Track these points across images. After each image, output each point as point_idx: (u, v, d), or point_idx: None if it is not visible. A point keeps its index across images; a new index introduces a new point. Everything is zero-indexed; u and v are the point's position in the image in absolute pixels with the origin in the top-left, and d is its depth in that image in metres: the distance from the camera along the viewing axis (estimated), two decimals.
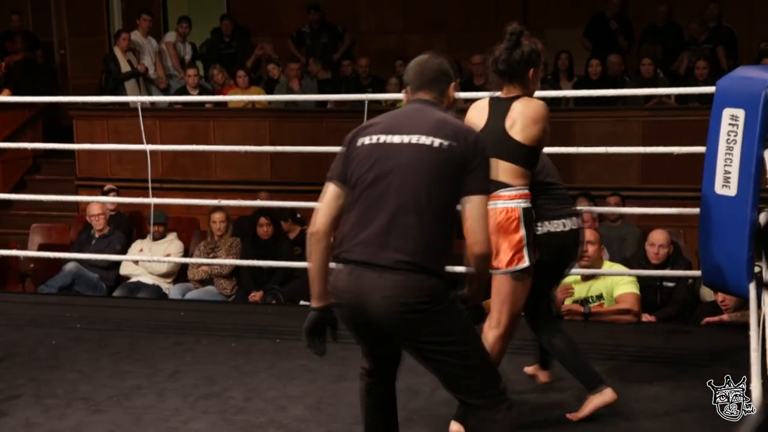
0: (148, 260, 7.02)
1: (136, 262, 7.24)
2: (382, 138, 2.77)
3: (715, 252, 3.72)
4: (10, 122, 10.21)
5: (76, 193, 9.13)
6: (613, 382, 3.65)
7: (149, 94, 9.70)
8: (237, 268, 6.96)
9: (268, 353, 4.50)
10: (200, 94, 9.10)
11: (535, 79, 3.51)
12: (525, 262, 3.34)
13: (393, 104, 8.92)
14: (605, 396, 3.52)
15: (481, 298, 2.87)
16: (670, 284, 5.40)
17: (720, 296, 4.92)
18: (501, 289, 3.38)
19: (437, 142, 2.71)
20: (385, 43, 10.53)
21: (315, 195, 9.19)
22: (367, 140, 2.81)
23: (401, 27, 10.68)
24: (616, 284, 5.15)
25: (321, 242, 2.79)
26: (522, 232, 3.34)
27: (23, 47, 10.73)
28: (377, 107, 8.71)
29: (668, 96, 8.15)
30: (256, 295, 6.72)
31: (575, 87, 8.62)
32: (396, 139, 2.76)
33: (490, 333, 3.43)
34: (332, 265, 2.80)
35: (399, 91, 9.31)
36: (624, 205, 6.66)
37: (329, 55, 10.04)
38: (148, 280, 7.23)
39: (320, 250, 2.79)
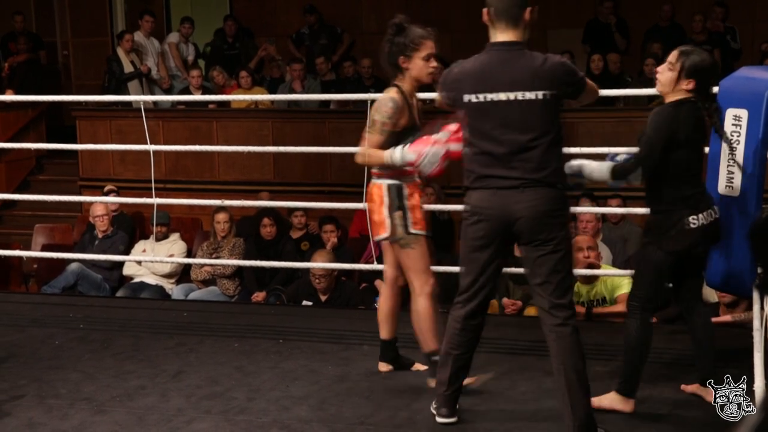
0: (151, 261, 7.03)
1: (139, 263, 7.25)
2: (489, 96, 3.20)
3: (718, 253, 3.72)
4: (13, 123, 10.23)
5: (80, 194, 9.14)
6: (614, 383, 3.64)
7: (152, 94, 9.72)
8: (240, 269, 6.97)
9: (271, 353, 4.51)
10: (203, 94, 9.12)
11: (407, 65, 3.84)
12: (386, 233, 3.80)
13: None
14: (628, 405, 3.56)
15: None
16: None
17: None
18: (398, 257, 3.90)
19: (540, 94, 3.17)
20: None
21: (317, 195, 9.26)
22: (473, 98, 3.22)
23: None
24: (617, 286, 5.16)
25: None
26: (384, 206, 3.80)
27: (27, 48, 10.75)
28: None
29: None
30: (259, 296, 6.73)
31: None
32: (502, 96, 3.19)
33: (419, 300, 3.89)
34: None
35: None
36: (626, 207, 6.66)
37: (328, 56, 10.05)
38: (151, 280, 7.24)
39: None
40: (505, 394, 3.91)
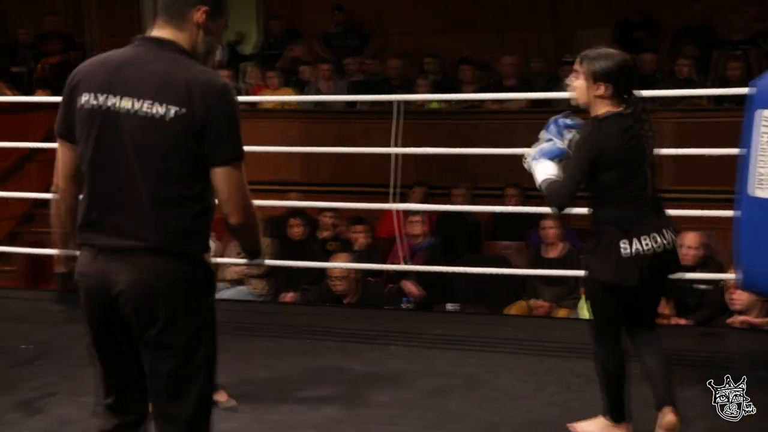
0: None
1: None
2: (102, 99, 2.32)
3: (751, 254, 3.68)
4: (45, 123, 10.30)
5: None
6: (643, 385, 3.62)
7: None
8: (269, 269, 6.99)
9: (301, 353, 4.52)
10: None
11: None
12: None
13: (422, 105, 8.93)
14: (620, 430, 3.38)
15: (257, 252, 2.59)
16: (701, 287, 5.36)
17: (732, 293, 4.91)
18: None
19: (163, 110, 2.25)
20: (414, 43, 10.52)
21: (346, 195, 9.25)
22: (85, 99, 2.36)
23: (429, 28, 10.66)
24: None
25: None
26: None
27: (59, 49, 10.85)
28: (407, 108, 8.73)
29: (701, 97, 8.09)
30: (287, 296, 6.75)
31: None
32: (119, 103, 2.30)
33: None
34: None
35: (428, 92, 9.39)
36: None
37: (356, 57, 10.07)
38: None
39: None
40: (534, 395, 3.90)
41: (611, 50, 3.20)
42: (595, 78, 3.10)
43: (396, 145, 5.27)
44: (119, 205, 2.33)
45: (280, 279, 6.96)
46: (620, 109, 3.12)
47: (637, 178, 3.12)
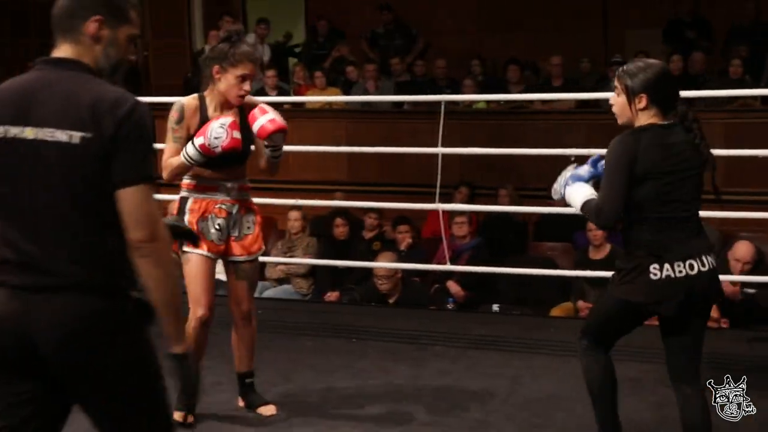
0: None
1: None
2: (3, 130, 2.12)
3: None
4: None
5: (158, 192, 9.32)
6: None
7: None
8: (313, 268, 7.02)
9: (344, 352, 4.54)
10: (279, 95, 9.22)
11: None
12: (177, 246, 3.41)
13: (470, 105, 8.91)
14: None
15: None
16: (751, 291, 5.28)
17: None
18: None
19: (66, 136, 2.08)
20: (461, 43, 10.50)
21: (391, 195, 9.24)
22: None
23: (477, 28, 10.64)
24: None
25: None
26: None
27: None
28: (454, 108, 8.72)
29: (754, 97, 7.96)
30: (331, 295, 6.77)
31: None
32: (21, 133, 2.12)
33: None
34: None
35: (475, 92, 9.35)
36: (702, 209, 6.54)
37: (403, 57, 10.07)
38: (225, 277, 7.33)
39: None
40: (579, 398, 3.87)
41: (650, 60, 3.04)
42: (634, 91, 2.92)
43: (442, 146, 5.26)
44: (32, 240, 2.11)
45: (323, 278, 6.99)
46: (664, 121, 2.93)
47: (677, 198, 2.89)
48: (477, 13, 10.59)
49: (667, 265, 2.85)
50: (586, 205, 2.99)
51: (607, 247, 6.30)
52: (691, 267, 2.87)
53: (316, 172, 9.03)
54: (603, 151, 3.03)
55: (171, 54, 11.48)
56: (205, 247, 3.52)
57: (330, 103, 9.29)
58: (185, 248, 3.49)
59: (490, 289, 6.55)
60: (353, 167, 9.07)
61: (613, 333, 3.06)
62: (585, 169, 3.11)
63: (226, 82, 3.47)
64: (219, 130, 3.34)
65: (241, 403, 3.82)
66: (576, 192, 3.04)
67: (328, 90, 9.39)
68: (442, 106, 5.25)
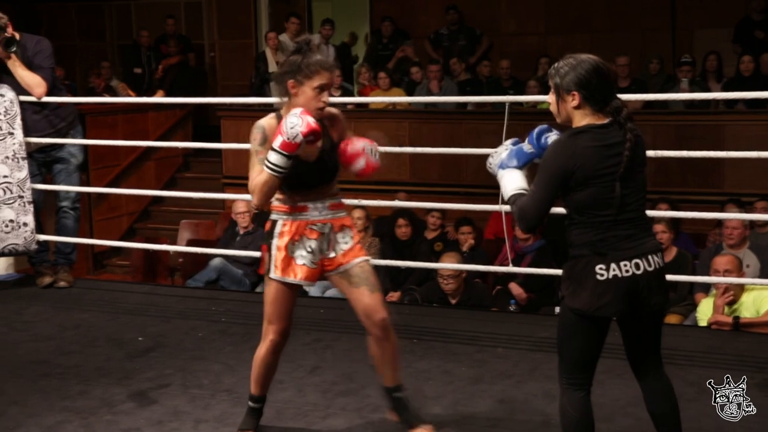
0: None
1: None
2: None
3: None
4: (163, 122, 10.69)
5: (223, 191, 9.45)
6: (763, 395, 3.50)
7: None
8: (375, 268, 7.04)
9: (405, 353, 4.52)
10: (342, 95, 9.28)
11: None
12: (264, 270, 3.40)
13: (534, 106, 8.84)
14: None
15: None
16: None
17: None
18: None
19: None
20: (526, 44, 10.44)
21: (453, 196, 9.24)
22: None
23: (542, 28, 10.56)
24: (764, 299, 4.94)
25: None
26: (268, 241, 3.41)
27: (177, 50, 11.21)
28: (518, 108, 8.67)
29: None
30: (393, 295, 6.78)
31: (725, 88, 8.32)
32: None
33: (260, 344, 3.52)
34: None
35: (539, 93, 9.31)
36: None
37: (466, 58, 10.05)
38: None
39: None
40: (643, 403, 3.81)
41: (581, 56, 2.88)
42: (566, 90, 2.82)
43: None
44: None
45: (385, 278, 7.00)
46: (601, 120, 2.82)
47: (618, 198, 2.78)
48: (543, 14, 10.51)
49: (613, 265, 2.78)
50: (512, 201, 2.92)
51: (672, 250, 6.21)
52: (637, 266, 2.80)
53: (378, 172, 9.04)
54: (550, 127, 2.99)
55: (237, 55, 11.62)
56: (291, 274, 3.38)
57: (393, 104, 9.31)
58: (271, 275, 3.38)
59: (553, 292, 6.50)
60: (416, 168, 9.07)
61: (584, 353, 2.90)
62: (526, 146, 3.02)
63: (304, 95, 3.29)
64: (293, 120, 3.16)
65: (394, 418, 3.58)
66: (507, 180, 2.96)
67: (391, 91, 9.41)
68: (506, 107, 5.21)
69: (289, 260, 3.36)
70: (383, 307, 3.45)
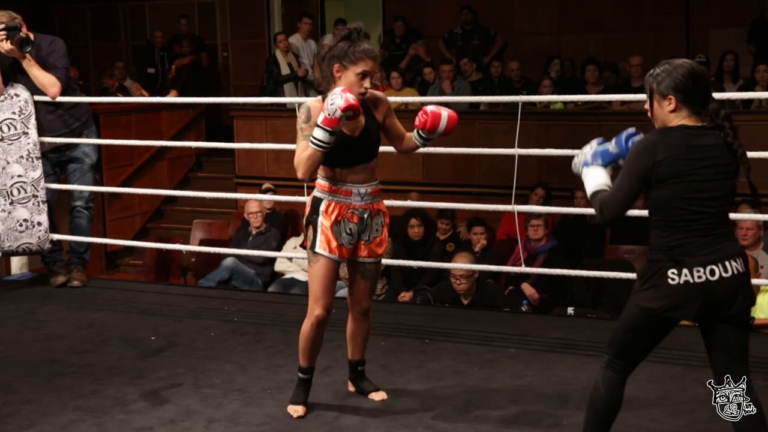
0: (302, 257, 7.20)
1: (290, 259, 7.44)
2: None
3: None
4: (176, 122, 10.71)
5: (235, 191, 9.46)
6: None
7: (306, 95, 9.97)
8: (387, 268, 7.04)
9: (417, 353, 4.53)
10: None
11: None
12: (308, 244, 3.63)
13: (547, 106, 8.83)
14: None
15: None
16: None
17: None
18: None
19: None
20: (539, 44, 10.42)
21: (466, 196, 9.23)
22: None
23: (555, 28, 10.54)
24: None
25: None
26: (306, 215, 3.65)
27: (190, 50, 11.24)
28: (531, 108, 8.65)
29: None
30: (405, 295, 6.78)
31: (741, 89, 8.27)
32: None
33: (305, 320, 3.72)
34: None
35: (552, 93, 9.26)
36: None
37: (480, 57, 10.03)
38: (302, 277, 7.41)
39: None
40: (657, 404, 3.80)
41: (677, 61, 2.91)
42: (661, 94, 2.87)
43: (518, 147, 5.22)
44: None
45: (397, 278, 7.00)
46: (697, 123, 2.85)
47: (701, 202, 2.80)
48: (556, 14, 10.49)
49: (685, 270, 2.79)
50: (593, 196, 2.97)
51: None
52: (712, 273, 2.80)
53: (391, 172, 9.05)
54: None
55: (250, 55, 11.64)
56: (336, 250, 3.59)
57: (406, 104, 9.30)
58: (317, 249, 3.59)
59: (565, 292, 6.48)
60: (428, 168, 9.06)
61: (637, 345, 2.97)
62: (611, 147, 3.05)
63: (347, 79, 3.49)
64: (333, 97, 3.36)
65: (351, 388, 3.98)
66: (591, 177, 3.01)
67: (404, 90, 9.40)
68: (519, 107, 5.20)
69: (332, 239, 3.58)
70: (371, 299, 3.83)
